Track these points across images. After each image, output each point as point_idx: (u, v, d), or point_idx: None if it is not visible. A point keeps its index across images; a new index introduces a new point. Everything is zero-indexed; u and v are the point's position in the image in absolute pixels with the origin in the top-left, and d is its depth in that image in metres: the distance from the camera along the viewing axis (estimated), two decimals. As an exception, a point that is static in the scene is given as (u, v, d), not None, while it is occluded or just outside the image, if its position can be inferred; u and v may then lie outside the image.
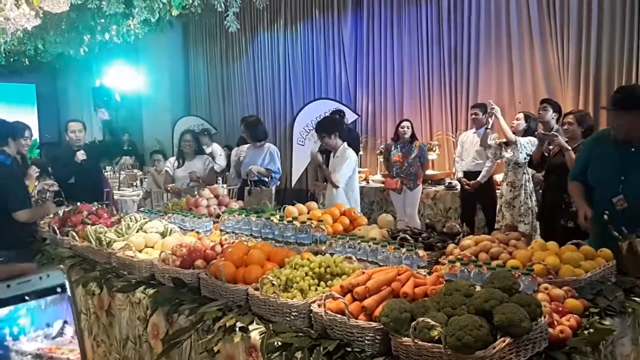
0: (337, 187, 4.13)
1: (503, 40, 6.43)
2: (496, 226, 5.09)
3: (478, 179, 5.46)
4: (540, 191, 4.70)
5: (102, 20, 7.28)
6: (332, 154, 4.37)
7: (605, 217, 2.50)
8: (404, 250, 2.32)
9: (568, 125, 4.01)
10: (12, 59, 9.08)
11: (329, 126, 4.22)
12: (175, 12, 6.97)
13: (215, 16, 8.15)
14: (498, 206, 5.09)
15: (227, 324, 1.97)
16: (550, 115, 4.65)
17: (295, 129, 8.20)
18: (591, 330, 1.82)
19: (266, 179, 4.97)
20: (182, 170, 5.12)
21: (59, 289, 0.72)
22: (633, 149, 2.65)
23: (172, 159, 5.33)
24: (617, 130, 2.65)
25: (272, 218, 2.92)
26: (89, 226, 3.26)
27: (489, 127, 5.15)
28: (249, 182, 4.86)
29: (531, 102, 6.05)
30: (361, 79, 8.13)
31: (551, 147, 4.18)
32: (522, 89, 6.29)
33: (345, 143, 4.28)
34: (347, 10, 8.16)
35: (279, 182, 5.96)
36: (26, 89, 13.34)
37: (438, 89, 7.18)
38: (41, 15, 6.01)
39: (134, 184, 7.44)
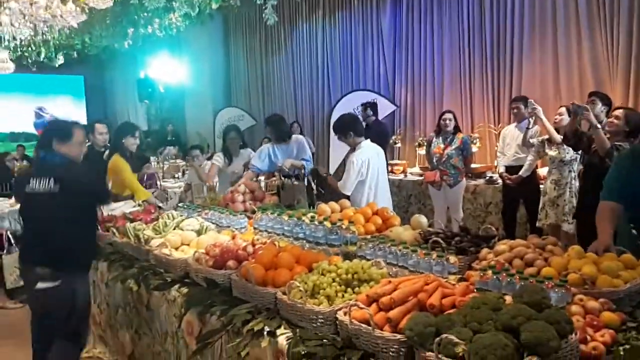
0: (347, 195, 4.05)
1: (548, 30, 6.17)
2: (538, 224, 4.94)
3: (520, 173, 5.26)
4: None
5: (145, 14, 7.45)
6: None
7: (634, 232, 2.39)
8: (434, 255, 2.29)
9: (615, 119, 3.66)
10: (61, 52, 9.44)
11: (340, 127, 4.21)
12: (215, 6, 7.08)
13: (255, 8, 8.20)
14: (541, 204, 4.92)
15: (255, 328, 2.01)
16: (600, 108, 4.25)
17: (333, 119, 8.20)
18: (627, 346, 1.74)
19: (303, 171, 4.96)
20: (232, 167, 5.17)
21: None
22: None
23: (221, 155, 5.28)
24: None
25: (303, 218, 2.93)
26: (128, 223, 3.37)
27: (529, 126, 4.97)
28: (281, 177, 4.88)
29: (577, 95, 5.80)
30: (400, 70, 8.02)
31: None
32: (568, 81, 6.03)
33: (366, 140, 4.21)
34: (386, 0, 8.04)
35: None
36: (75, 80, 13.89)
37: (480, 80, 6.99)
38: (87, 10, 6.21)
39: (176, 175, 7.62)
